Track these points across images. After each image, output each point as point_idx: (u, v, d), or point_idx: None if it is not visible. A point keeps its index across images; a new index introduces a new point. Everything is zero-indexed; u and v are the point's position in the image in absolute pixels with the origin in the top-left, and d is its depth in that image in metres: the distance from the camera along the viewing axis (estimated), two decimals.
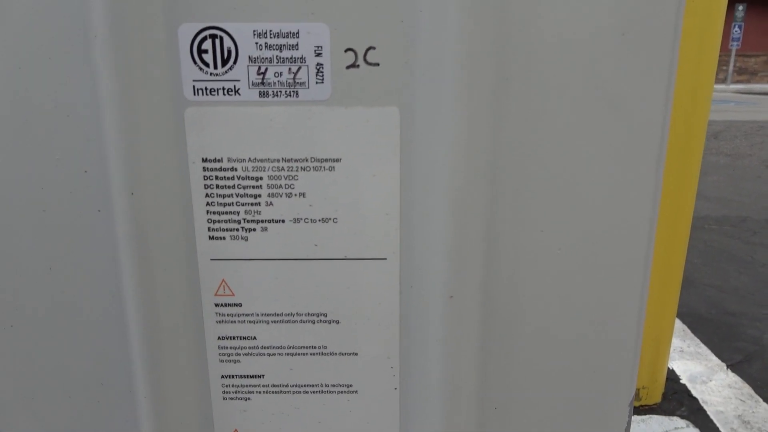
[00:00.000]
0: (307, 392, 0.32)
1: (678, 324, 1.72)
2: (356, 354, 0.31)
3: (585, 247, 0.30)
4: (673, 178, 1.13)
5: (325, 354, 0.31)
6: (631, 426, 1.16)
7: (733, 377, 1.41)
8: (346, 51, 0.27)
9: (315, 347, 0.31)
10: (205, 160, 0.29)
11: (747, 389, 1.36)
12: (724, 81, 14.19)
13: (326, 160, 0.29)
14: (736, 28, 12.87)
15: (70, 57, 0.27)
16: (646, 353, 1.26)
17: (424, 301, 0.30)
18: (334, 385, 0.32)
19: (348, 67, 0.28)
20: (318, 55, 0.27)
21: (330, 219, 0.29)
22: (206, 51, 0.27)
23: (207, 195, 0.29)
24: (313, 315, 0.31)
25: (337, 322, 0.31)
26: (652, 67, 0.28)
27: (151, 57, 0.27)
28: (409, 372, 0.32)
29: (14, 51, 0.27)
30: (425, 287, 0.30)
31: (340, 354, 0.31)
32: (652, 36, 0.27)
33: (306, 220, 0.29)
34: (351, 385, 0.32)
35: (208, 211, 0.29)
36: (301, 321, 0.31)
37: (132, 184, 0.28)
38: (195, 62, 0.27)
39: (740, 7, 12.94)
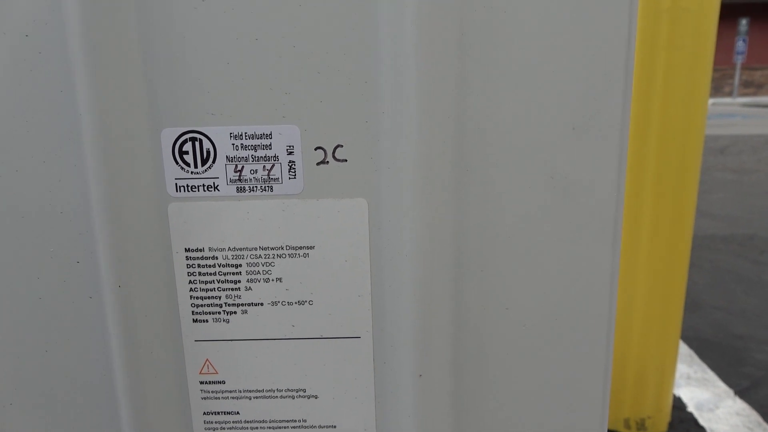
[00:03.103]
0: None
1: (685, 349, 1.71)
2: (334, 426, 0.33)
3: (549, 322, 0.32)
4: (672, 196, 1.14)
5: (305, 427, 0.33)
6: None
7: (740, 404, 1.40)
8: (316, 149, 0.30)
9: (295, 421, 0.33)
10: (187, 250, 0.31)
11: (755, 416, 1.35)
12: (729, 94, 14.17)
13: (301, 248, 0.31)
14: (740, 42, 12.89)
15: (63, 160, 0.30)
16: (650, 381, 1.26)
17: (396, 377, 0.32)
18: None
19: (318, 164, 0.30)
20: (290, 153, 0.30)
21: (306, 301, 0.31)
22: (187, 152, 0.30)
23: (190, 281, 0.31)
24: (292, 390, 0.33)
25: (316, 396, 0.33)
26: (601, 156, 0.29)
27: (137, 158, 0.30)
28: None
29: (13, 155, 0.30)
30: (396, 364, 0.31)
31: (319, 427, 0.33)
32: (601, 128, 0.29)
33: (283, 303, 0.31)
34: None
35: (191, 296, 0.31)
36: (282, 396, 0.33)
37: (120, 275, 0.30)
38: (177, 162, 0.30)
39: (743, 21, 12.98)
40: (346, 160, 0.30)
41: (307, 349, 0.32)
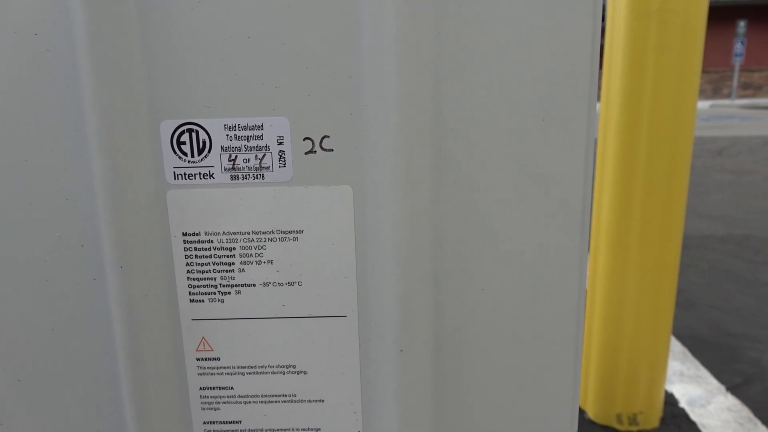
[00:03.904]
0: None
1: (679, 346, 1.73)
2: (323, 401, 0.35)
3: (522, 302, 0.34)
4: (662, 196, 1.16)
5: (295, 401, 0.35)
6: None
7: (732, 400, 1.42)
8: (304, 140, 0.32)
9: (286, 395, 0.35)
10: (185, 234, 0.33)
11: (746, 412, 1.37)
12: (728, 96, 14.19)
13: (290, 232, 0.33)
14: (739, 44, 12.92)
15: (69, 150, 0.32)
16: (641, 377, 1.28)
17: (379, 353, 0.34)
18: (304, 429, 0.36)
19: (306, 153, 0.32)
20: (280, 143, 0.32)
21: (295, 282, 0.34)
22: (184, 143, 0.32)
23: (187, 264, 0.33)
24: (282, 367, 0.35)
25: (305, 372, 0.35)
26: (569, 147, 0.32)
27: (138, 148, 0.32)
28: (370, 415, 0.35)
29: (22, 146, 0.32)
30: (380, 341, 0.34)
31: (308, 401, 0.35)
32: (569, 121, 0.31)
33: (274, 284, 0.34)
34: (319, 429, 0.36)
35: (188, 278, 0.34)
36: (273, 372, 0.35)
37: (121, 258, 0.32)
38: (175, 152, 0.32)
39: (741, 23, 13.01)
40: (332, 150, 0.32)
41: (297, 327, 0.34)
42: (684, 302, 2.09)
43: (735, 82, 13.45)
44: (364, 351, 0.34)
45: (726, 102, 12.98)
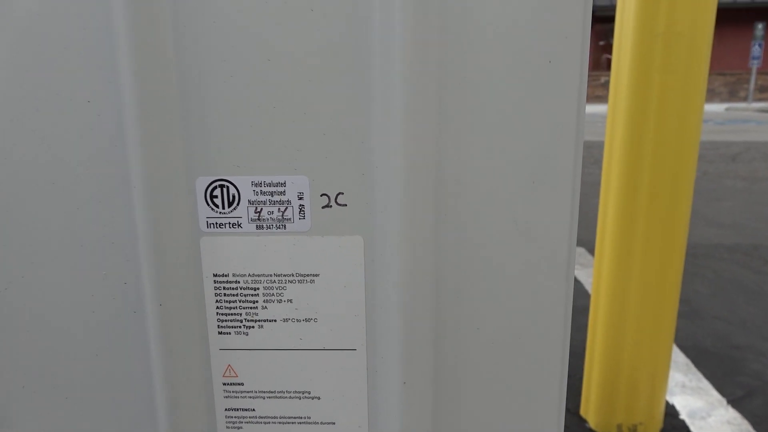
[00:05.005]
0: None
1: (682, 358, 1.75)
2: (334, 423, 0.40)
3: (513, 341, 0.38)
4: (664, 211, 1.19)
5: (309, 423, 0.40)
6: None
7: (732, 413, 1.45)
8: (321, 195, 0.36)
9: (301, 417, 0.40)
10: (215, 275, 0.37)
11: (746, 425, 1.39)
12: (745, 99, 14.02)
13: (308, 275, 0.37)
14: (756, 47, 12.77)
15: (116, 201, 0.36)
16: (642, 388, 1.31)
17: (385, 382, 0.38)
18: None
19: (323, 207, 0.36)
20: (300, 198, 0.36)
21: (312, 319, 0.38)
22: (216, 196, 0.36)
23: (217, 301, 0.38)
24: (299, 392, 0.39)
25: (319, 398, 0.39)
26: (556, 205, 0.36)
27: (175, 200, 0.36)
28: None
29: (76, 196, 0.37)
30: (385, 372, 0.38)
31: (321, 423, 0.40)
32: (556, 183, 0.35)
33: (293, 320, 0.38)
34: None
35: (217, 313, 0.38)
36: (290, 397, 0.39)
37: (160, 295, 0.37)
38: (208, 204, 0.36)
39: (759, 26, 12.85)
40: (346, 205, 0.36)
41: (312, 358, 0.38)
42: (689, 312, 2.11)
43: (752, 85, 13.30)
44: (371, 380, 0.39)
45: (742, 105, 12.85)
